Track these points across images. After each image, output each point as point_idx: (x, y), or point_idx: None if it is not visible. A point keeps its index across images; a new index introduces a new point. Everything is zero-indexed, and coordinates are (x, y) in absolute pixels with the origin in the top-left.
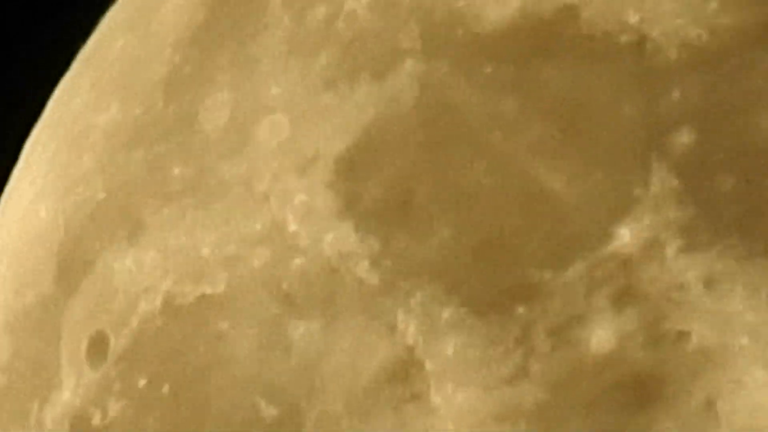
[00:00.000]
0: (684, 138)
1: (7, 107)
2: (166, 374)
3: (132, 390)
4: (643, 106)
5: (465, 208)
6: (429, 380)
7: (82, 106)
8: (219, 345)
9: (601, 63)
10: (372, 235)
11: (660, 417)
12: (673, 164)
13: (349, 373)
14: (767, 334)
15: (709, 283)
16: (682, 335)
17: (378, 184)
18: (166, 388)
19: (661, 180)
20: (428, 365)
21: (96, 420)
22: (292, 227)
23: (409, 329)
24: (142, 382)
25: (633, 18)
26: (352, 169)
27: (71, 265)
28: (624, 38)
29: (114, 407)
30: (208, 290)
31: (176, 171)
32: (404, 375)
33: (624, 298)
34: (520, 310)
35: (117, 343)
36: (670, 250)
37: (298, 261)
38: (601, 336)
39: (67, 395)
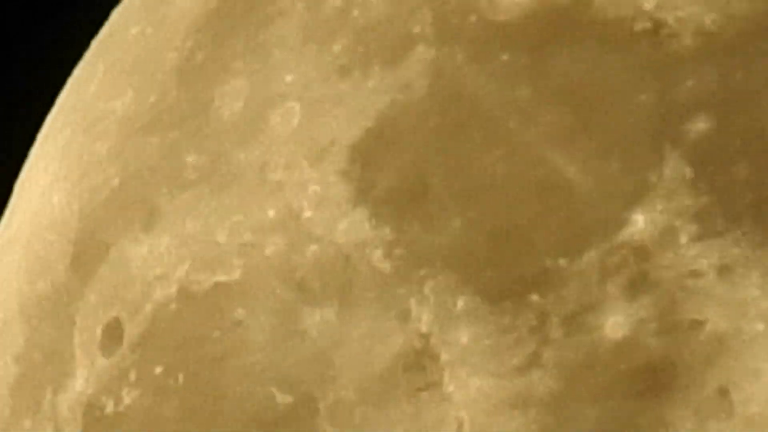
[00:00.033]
0: (699, 125)
1: (22, 96)
2: (181, 362)
3: (148, 378)
4: (658, 94)
5: (479, 196)
6: (443, 368)
7: (96, 92)
8: (234, 333)
9: (616, 50)
10: (385, 223)
11: (673, 405)
12: (687, 151)
13: (363, 361)
14: None
15: (723, 270)
16: (696, 323)
17: (391, 172)
18: (181, 377)
19: (676, 167)
20: (442, 354)
21: (109, 408)
22: (306, 215)
23: (423, 318)
24: (157, 370)
25: (648, 4)
26: (365, 157)
27: (85, 252)
28: (639, 25)
29: (129, 395)
30: (223, 278)
31: (191, 158)
32: (418, 363)
33: (638, 285)
34: (534, 298)
35: (132, 331)
36: (684, 238)
37: (312, 249)
38: (615, 324)
39: (80, 383)
